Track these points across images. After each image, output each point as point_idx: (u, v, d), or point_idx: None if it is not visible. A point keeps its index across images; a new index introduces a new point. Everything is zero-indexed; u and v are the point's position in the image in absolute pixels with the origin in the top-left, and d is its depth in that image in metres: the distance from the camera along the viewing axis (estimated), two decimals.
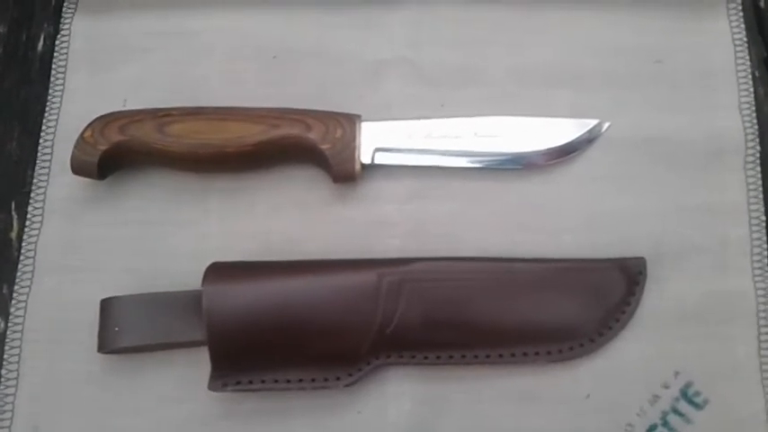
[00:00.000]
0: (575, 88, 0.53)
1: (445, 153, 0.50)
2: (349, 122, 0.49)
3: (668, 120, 0.52)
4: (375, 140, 0.50)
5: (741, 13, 0.55)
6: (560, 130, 0.51)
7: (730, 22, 0.54)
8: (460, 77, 0.54)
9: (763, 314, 0.47)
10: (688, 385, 0.46)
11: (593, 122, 0.51)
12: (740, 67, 0.53)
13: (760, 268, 0.48)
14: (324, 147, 0.48)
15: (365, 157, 0.49)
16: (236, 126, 0.49)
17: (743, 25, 0.54)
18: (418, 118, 0.51)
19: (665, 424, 0.45)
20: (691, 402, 0.46)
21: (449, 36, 0.55)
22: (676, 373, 0.46)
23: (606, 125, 0.51)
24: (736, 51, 0.54)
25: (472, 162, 0.50)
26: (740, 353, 0.47)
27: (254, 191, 0.51)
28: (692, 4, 0.54)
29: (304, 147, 0.49)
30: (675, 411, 0.45)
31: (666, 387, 0.46)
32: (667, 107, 0.52)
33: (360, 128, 0.49)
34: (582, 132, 0.51)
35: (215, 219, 0.50)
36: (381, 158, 0.50)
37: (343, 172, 0.49)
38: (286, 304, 0.44)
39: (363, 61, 0.54)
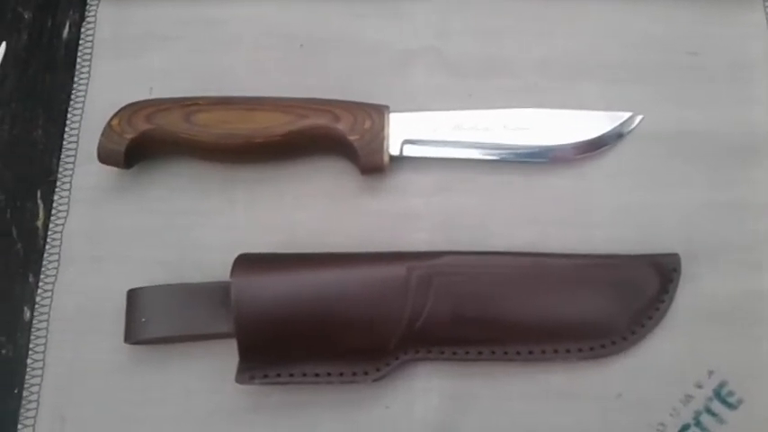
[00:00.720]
0: (605, 80, 0.52)
1: (474, 145, 0.50)
2: (377, 113, 0.49)
3: (701, 113, 0.51)
4: (403, 132, 0.49)
5: None
6: (591, 123, 0.50)
7: (766, 12, 0.53)
8: (488, 68, 0.53)
9: None
10: (722, 385, 0.45)
11: (625, 116, 0.50)
12: None
13: None
14: (352, 138, 0.48)
15: (393, 149, 0.49)
16: (264, 116, 0.48)
17: None
18: (446, 109, 0.51)
19: (698, 424, 0.45)
20: (724, 402, 0.45)
21: (476, 26, 0.54)
22: (710, 373, 0.45)
23: (639, 118, 0.50)
24: None
25: (501, 155, 0.50)
26: None
27: (281, 182, 0.50)
28: None
29: (332, 137, 0.48)
30: (709, 411, 0.45)
31: (700, 386, 0.45)
32: (700, 101, 0.51)
33: (388, 119, 0.49)
34: (613, 126, 0.50)
35: (241, 209, 0.50)
36: (410, 150, 0.49)
37: (371, 163, 0.48)
38: (315, 297, 0.44)
39: (390, 51, 0.53)
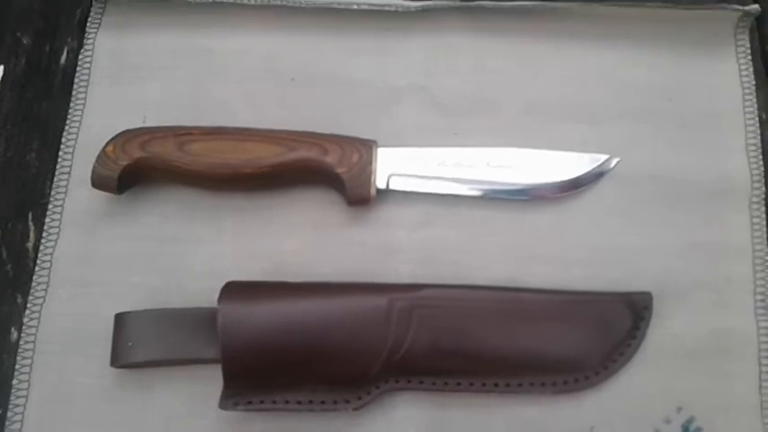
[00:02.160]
0: (586, 122, 0.54)
1: (457, 181, 0.51)
2: (365, 148, 0.50)
3: (677, 158, 0.53)
4: (390, 166, 0.51)
5: (749, 56, 0.56)
6: (570, 164, 0.52)
7: (739, 64, 0.56)
8: (474, 107, 0.55)
9: (764, 352, 0.48)
10: (690, 420, 0.47)
11: (603, 158, 0.52)
12: (747, 109, 0.55)
13: (763, 307, 0.49)
14: (340, 170, 0.49)
15: (380, 182, 0.50)
16: (255, 147, 0.49)
17: (751, 68, 0.56)
18: (432, 146, 0.52)
19: None
20: None
21: (463, 66, 0.56)
22: (678, 409, 0.47)
23: (615, 161, 0.52)
24: (744, 93, 0.55)
25: (483, 191, 0.51)
26: (741, 390, 0.48)
27: (269, 211, 0.52)
28: (705, 45, 0.56)
29: (320, 170, 0.50)
30: None
31: (668, 422, 0.47)
32: (676, 145, 0.53)
33: (376, 153, 0.50)
34: (592, 167, 0.52)
35: (229, 237, 0.51)
36: (396, 184, 0.51)
37: (358, 196, 0.50)
38: (299, 325, 0.45)
39: (379, 87, 0.55)
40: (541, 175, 0.52)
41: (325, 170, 0.50)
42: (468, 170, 0.51)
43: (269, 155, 0.49)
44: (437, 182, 0.51)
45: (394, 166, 0.51)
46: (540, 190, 0.52)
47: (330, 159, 0.49)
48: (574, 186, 0.52)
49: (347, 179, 0.49)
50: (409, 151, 0.51)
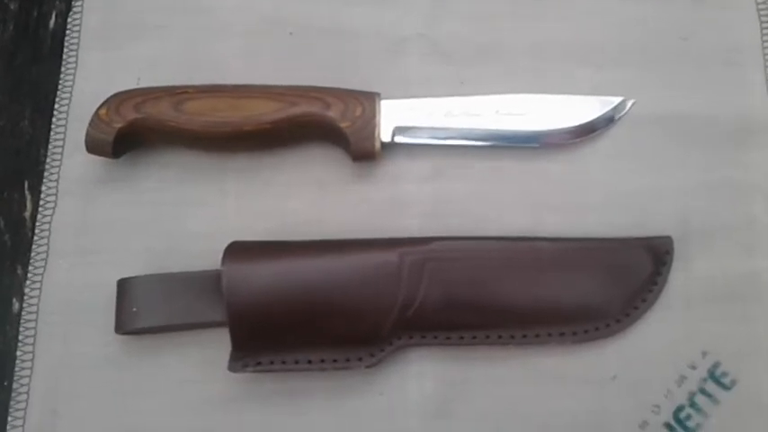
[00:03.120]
0: (598, 65, 0.52)
1: (465, 131, 0.49)
2: (369, 100, 0.48)
3: (693, 97, 0.51)
4: (395, 119, 0.49)
5: None
6: (583, 108, 0.50)
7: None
8: (480, 54, 0.53)
9: None
10: (716, 366, 0.45)
11: (616, 100, 0.50)
12: (766, 43, 0.52)
13: None
14: (343, 125, 0.47)
15: (385, 136, 0.48)
16: (254, 104, 0.48)
17: None
18: (438, 96, 0.50)
19: (693, 405, 0.45)
20: (718, 383, 0.45)
21: (468, 11, 0.54)
22: (704, 354, 0.45)
23: (630, 103, 0.50)
24: (762, 27, 0.53)
25: (493, 141, 0.49)
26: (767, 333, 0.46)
27: (272, 170, 0.50)
28: None
29: (323, 125, 0.48)
30: (703, 392, 0.45)
31: (694, 368, 0.45)
32: (692, 84, 0.51)
33: (379, 106, 0.48)
34: (605, 110, 0.50)
35: (232, 199, 0.50)
36: (401, 137, 0.49)
37: (363, 150, 0.48)
38: (307, 284, 0.44)
39: (380, 38, 0.53)
40: (553, 120, 0.49)
41: (327, 125, 0.48)
42: (477, 119, 0.49)
43: (269, 111, 0.47)
44: (444, 133, 0.49)
45: (399, 119, 0.49)
46: (552, 136, 0.49)
47: (332, 114, 0.48)
48: (587, 131, 0.50)
49: (351, 133, 0.47)
50: (414, 102, 0.50)
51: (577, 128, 0.50)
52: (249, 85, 0.49)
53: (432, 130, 0.49)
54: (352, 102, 0.48)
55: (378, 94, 0.49)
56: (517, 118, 0.49)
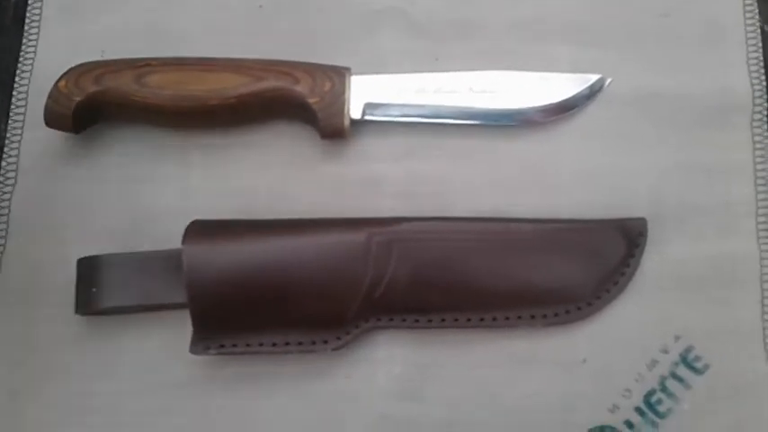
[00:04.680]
0: (575, 42, 0.51)
1: (438, 109, 0.48)
2: (338, 75, 0.47)
3: (673, 76, 0.50)
4: (365, 95, 0.47)
5: None
6: (559, 86, 0.49)
7: None
8: (456, 30, 0.51)
9: (767, 277, 0.46)
10: (688, 350, 0.44)
11: (593, 78, 0.49)
12: (749, 21, 0.51)
13: (765, 230, 0.47)
14: (311, 101, 0.46)
15: (355, 113, 0.47)
16: (220, 77, 0.46)
17: None
18: (411, 72, 0.49)
19: (664, 389, 0.44)
20: (691, 367, 0.44)
21: None
22: (676, 338, 0.45)
23: (608, 81, 0.49)
24: (745, 5, 0.51)
25: (467, 118, 0.48)
26: (743, 317, 0.45)
27: (239, 147, 0.49)
28: None
29: (290, 100, 0.46)
30: (674, 376, 0.44)
31: (665, 352, 0.44)
32: (672, 63, 0.50)
33: (349, 81, 0.47)
34: (582, 88, 0.49)
35: (198, 176, 0.48)
36: (372, 114, 0.48)
37: (332, 127, 0.46)
38: (271, 264, 0.42)
39: (354, 12, 0.51)
40: (528, 98, 0.48)
41: (295, 101, 0.46)
42: (450, 96, 0.48)
43: (235, 85, 0.46)
44: (416, 110, 0.48)
45: (369, 95, 0.48)
46: (527, 114, 0.48)
47: (300, 89, 0.46)
48: (563, 109, 0.48)
49: (319, 109, 0.46)
50: (386, 78, 0.48)
51: (553, 106, 0.48)
52: (214, 59, 0.48)
53: (403, 107, 0.48)
54: (320, 77, 0.47)
55: (348, 69, 0.47)
56: (491, 95, 0.48)
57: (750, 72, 0.50)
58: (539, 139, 0.49)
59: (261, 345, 0.43)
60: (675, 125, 0.49)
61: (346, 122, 0.47)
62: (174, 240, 0.44)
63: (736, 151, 0.48)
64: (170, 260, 0.44)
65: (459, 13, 0.52)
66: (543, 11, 0.51)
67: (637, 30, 0.51)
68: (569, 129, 0.49)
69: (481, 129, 0.49)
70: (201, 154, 0.49)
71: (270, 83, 0.46)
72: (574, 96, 0.48)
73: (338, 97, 0.46)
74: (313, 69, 0.47)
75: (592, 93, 0.49)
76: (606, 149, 0.48)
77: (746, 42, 0.51)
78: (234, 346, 0.43)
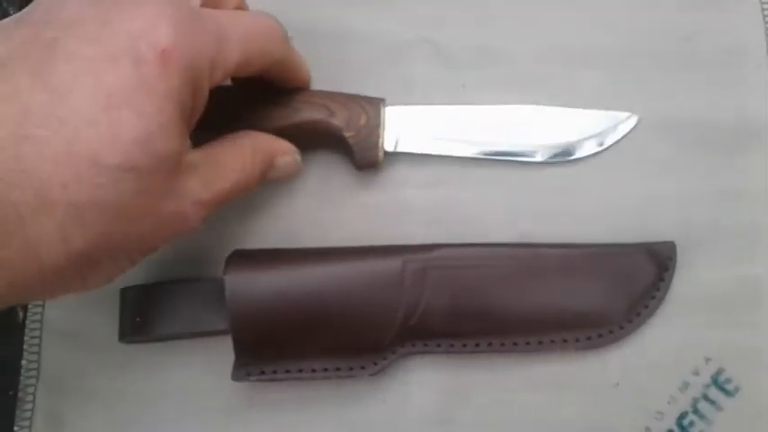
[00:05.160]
0: (598, 68, 0.51)
1: (469, 143, 0.49)
2: (373, 108, 0.48)
3: (695, 100, 0.50)
4: (398, 127, 0.49)
5: None
6: (589, 123, 0.49)
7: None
8: (481, 58, 0.52)
9: None
10: (719, 372, 0.45)
11: (623, 116, 0.50)
12: None
13: None
14: (347, 134, 0.47)
15: (388, 145, 0.48)
16: (256, 109, 0.47)
17: None
18: (438, 99, 0.50)
19: (696, 411, 0.45)
20: (722, 389, 0.45)
21: (469, 15, 0.53)
22: (707, 360, 0.45)
23: (636, 119, 0.50)
24: (766, 28, 0.52)
25: (495, 154, 0.49)
26: None
27: None
28: None
29: (326, 133, 0.48)
30: (706, 398, 0.45)
31: (697, 374, 0.45)
32: (695, 88, 0.51)
33: (384, 114, 0.48)
34: (611, 125, 0.50)
35: (235, 204, 0.49)
36: (404, 146, 0.49)
37: (367, 160, 0.48)
38: (309, 292, 0.44)
39: (383, 42, 0.52)
40: (557, 134, 0.49)
41: (331, 133, 0.48)
42: (480, 131, 0.49)
43: (273, 117, 0.47)
44: (447, 144, 0.49)
45: (402, 127, 0.49)
46: (556, 150, 0.49)
47: (337, 122, 0.47)
48: (592, 147, 0.50)
49: (354, 143, 0.47)
50: (418, 110, 0.49)
51: (582, 143, 0.49)
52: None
53: (434, 141, 0.49)
54: (356, 110, 0.48)
55: (382, 101, 0.49)
56: (523, 130, 0.49)
57: None
58: (565, 166, 0.50)
59: (300, 371, 0.44)
60: (700, 150, 0.49)
61: (380, 155, 0.48)
62: (212, 268, 0.46)
63: (761, 175, 0.49)
64: (212, 289, 0.45)
65: (485, 42, 0.52)
66: (566, 38, 0.52)
67: (659, 55, 0.52)
68: (595, 156, 0.50)
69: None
70: None
71: (306, 115, 0.47)
72: (603, 133, 0.49)
73: (373, 131, 0.48)
74: (348, 102, 0.48)
75: (621, 131, 0.50)
76: (632, 175, 0.49)
77: None
78: (274, 372, 0.44)
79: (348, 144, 0.47)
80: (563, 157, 0.49)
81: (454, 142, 0.49)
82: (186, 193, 0.37)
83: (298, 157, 0.46)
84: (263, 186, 0.49)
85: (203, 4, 0.39)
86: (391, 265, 0.44)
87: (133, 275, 0.46)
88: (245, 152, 0.42)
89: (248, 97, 0.47)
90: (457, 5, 0.53)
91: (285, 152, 0.45)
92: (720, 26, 0.52)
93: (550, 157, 0.49)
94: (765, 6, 0.53)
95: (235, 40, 0.38)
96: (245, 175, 0.42)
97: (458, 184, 0.49)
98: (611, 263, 0.46)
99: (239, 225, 0.49)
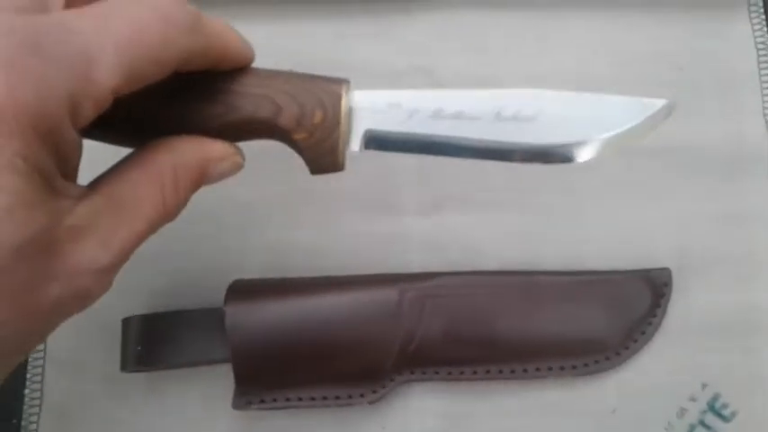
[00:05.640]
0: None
1: (459, 142, 0.37)
2: (332, 98, 0.36)
3: (690, 126, 0.51)
4: (367, 119, 0.37)
5: (763, 16, 0.54)
6: (613, 113, 0.37)
7: (752, 25, 0.54)
8: (476, 85, 0.52)
9: None
10: (715, 398, 0.45)
11: (659, 103, 0.38)
12: (764, 71, 0.52)
13: None
14: (298, 137, 0.36)
15: (354, 144, 0.38)
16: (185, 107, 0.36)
17: (765, 27, 0.53)
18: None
19: None
20: (718, 415, 0.45)
21: (466, 43, 0.54)
22: (703, 386, 0.46)
23: (672, 106, 0.39)
24: (759, 55, 0.53)
25: (493, 157, 0.37)
26: (767, 364, 0.46)
27: (270, 204, 0.50)
28: (713, 9, 0.53)
29: (272, 135, 0.37)
30: (703, 424, 0.45)
31: (694, 400, 0.46)
32: (689, 114, 0.51)
33: (347, 104, 0.37)
34: (643, 118, 0.38)
35: (232, 233, 0.50)
36: (375, 146, 0.38)
37: (322, 167, 0.37)
38: (308, 322, 0.44)
39: (379, 71, 0.53)
40: (571, 129, 0.37)
41: (278, 136, 0.37)
42: (473, 125, 0.37)
43: (203, 115, 0.35)
44: (430, 146, 0.37)
45: (372, 120, 0.37)
46: (570, 151, 0.37)
47: (284, 122, 0.36)
48: (617, 145, 0.38)
49: (307, 147, 0.36)
50: (394, 96, 0.37)
51: (604, 140, 0.37)
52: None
53: (414, 139, 0.37)
54: (310, 102, 0.36)
55: (345, 84, 0.37)
56: (525, 125, 0.37)
57: (766, 120, 0.51)
58: (561, 190, 0.50)
59: (300, 399, 0.45)
60: (695, 175, 0.50)
61: (341, 160, 0.37)
62: (213, 297, 0.46)
63: (756, 199, 0.50)
64: (212, 319, 0.45)
65: (480, 71, 0.53)
66: (561, 66, 0.53)
67: (653, 83, 0.52)
68: (591, 179, 0.50)
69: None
70: (234, 211, 0.50)
71: (245, 112, 0.35)
72: (633, 128, 0.38)
73: (331, 131, 0.36)
74: (301, 91, 0.36)
75: (654, 123, 0.38)
76: (628, 200, 0.50)
77: (761, 92, 0.52)
78: (274, 400, 0.44)
79: (298, 148, 0.37)
80: (582, 156, 0.37)
81: (439, 144, 0.37)
82: (75, 266, 0.29)
83: (239, 158, 0.36)
84: (258, 213, 0.50)
85: (67, 5, 0.30)
86: (388, 293, 0.45)
87: (135, 306, 0.47)
88: (164, 175, 0.32)
89: (171, 89, 0.34)
90: (452, 34, 0.54)
91: (221, 158, 0.35)
92: (713, 54, 0.53)
93: (563, 160, 0.37)
94: (757, 33, 0.53)
95: (108, 54, 0.28)
96: (165, 209, 0.33)
97: (454, 209, 0.50)
98: (607, 290, 0.47)
99: (237, 253, 0.49)
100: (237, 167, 0.36)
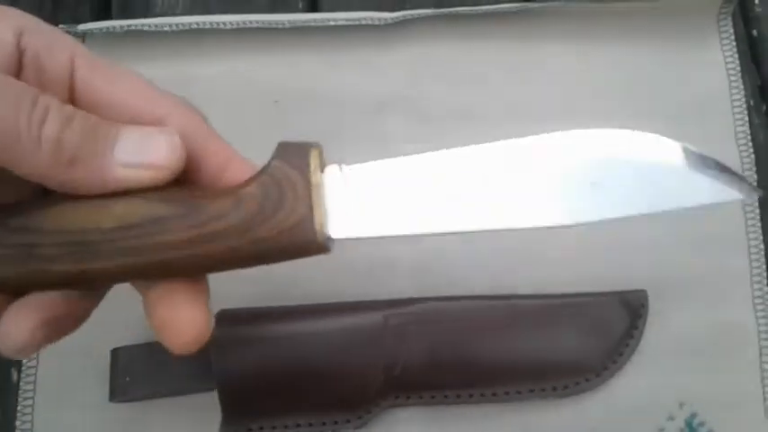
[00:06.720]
0: (573, 124, 0.53)
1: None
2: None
3: None
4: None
5: (734, 44, 0.55)
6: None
7: (724, 52, 0.55)
8: (459, 116, 0.54)
9: (765, 343, 0.48)
10: (693, 416, 0.47)
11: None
12: (735, 97, 0.54)
13: (760, 297, 0.49)
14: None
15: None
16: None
17: (736, 55, 0.55)
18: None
19: None
20: None
21: (447, 74, 0.55)
22: (681, 405, 0.47)
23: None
24: (730, 81, 0.54)
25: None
26: (743, 382, 0.47)
27: None
28: (684, 37, 0.55)
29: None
30: None
31: (671, 419, 0.47)
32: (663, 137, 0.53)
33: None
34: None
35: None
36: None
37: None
38: (293, 349, 0.45)
39: (362, 102, 0.55)
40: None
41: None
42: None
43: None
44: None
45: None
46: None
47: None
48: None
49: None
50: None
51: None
52: None
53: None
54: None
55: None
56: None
57: (738, 146, 0.53)
58: None
59: (286, 427, 0.45)
60: None
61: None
62: None
63: (729, 222, 0.51)
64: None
65: (462, 100, 0.54)
66: (542, 94, 0.54)
67: (627, 109, 0.54)
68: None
69: None
70: None
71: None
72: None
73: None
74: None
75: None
76: (603, 223, 0.51)
77: (733, 117, 0.53)
78: (261, 428, 0.45)
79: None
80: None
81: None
82: None
83: None
84: None
85: None
86: (372, 320, 0.46)
87: (123, 336, 0.48)
88: None
89: None
90: (433, 65, 0.55)
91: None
92: (686, 81, 0.54)
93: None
94: (729, 61, 0.55)
95: None
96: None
97: (434, 238, 0.51)
98: (585, 313, 0.48)
99: (218, 283, 0.50)
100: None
